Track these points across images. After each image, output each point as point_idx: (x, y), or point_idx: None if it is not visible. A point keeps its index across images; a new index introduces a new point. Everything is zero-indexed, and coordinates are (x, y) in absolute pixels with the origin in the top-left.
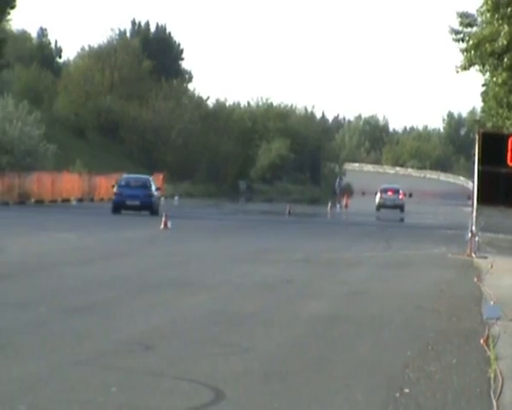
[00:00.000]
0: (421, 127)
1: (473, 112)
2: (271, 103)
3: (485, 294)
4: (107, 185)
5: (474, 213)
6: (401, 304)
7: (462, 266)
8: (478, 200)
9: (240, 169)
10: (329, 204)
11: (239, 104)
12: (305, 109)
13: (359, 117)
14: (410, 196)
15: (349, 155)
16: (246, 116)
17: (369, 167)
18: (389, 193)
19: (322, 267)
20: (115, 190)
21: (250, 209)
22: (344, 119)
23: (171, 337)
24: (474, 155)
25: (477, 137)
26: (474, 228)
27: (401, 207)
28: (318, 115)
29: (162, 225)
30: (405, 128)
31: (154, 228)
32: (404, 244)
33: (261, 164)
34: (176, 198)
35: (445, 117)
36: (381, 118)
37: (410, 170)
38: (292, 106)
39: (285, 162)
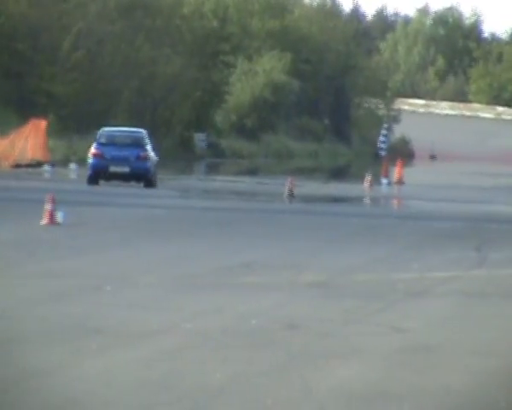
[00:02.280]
0: None
1: None
2: None
3: None
4: None
5: None
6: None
7: None
8: None
9: (197, 111)
10: (368, 178)
11: None
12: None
13: (425, 11)
14: None
15: (405, 84)
16: (208, 8)
17: (444, 107)
18: None
19: (355, 300)
20: (93, 149)
21: (215, 187)
22: (396, 15)
23: None
24: None
25: None
26: None
27: None
28: (346, 7)
29: (45, 220)
30: None
31: (31, 223)
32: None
33: (237, 102)
34: (72, 166)
35: None
36: (466, 13)
37: None
38: None
39: (282, 98)
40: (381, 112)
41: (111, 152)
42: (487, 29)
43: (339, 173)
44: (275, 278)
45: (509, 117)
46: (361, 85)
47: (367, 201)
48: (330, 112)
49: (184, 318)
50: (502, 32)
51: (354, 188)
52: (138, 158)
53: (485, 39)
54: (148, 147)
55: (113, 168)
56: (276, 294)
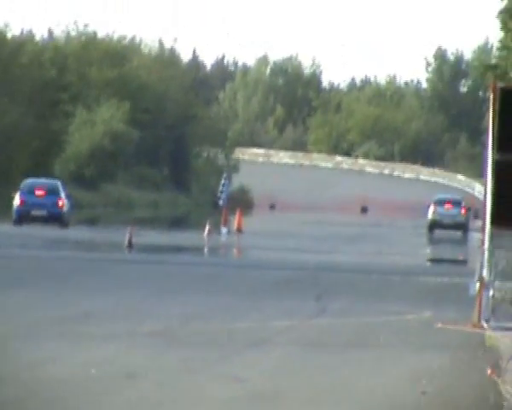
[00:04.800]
0: (383, 79)
1: (483, 50)
2: (94, 34)
3: (510, 400)
4: None
5: (487, 245)
6: None
7: (462, 345)
8: (494, 219)
9: (36, 160)
10: (207, 227)
11: (33, 35)
12: (160, 45)
13: (264, 61)
14: (365, 210)
15: (245, 134)
16: (47, 57)
17: (282, 156)
18: (447, 206)
19: (194, 349)
20: (17, 198)
21: (52, 236)
22: (235, 63)
23: None
24: (488, 132)
25: (492, 96)
26: (485, 273)
27: (464, 227)
28: (186, 57)
29: None
30: (353, 82)
31: None
32: (353, 304)
33: (76, 151)
34: None
35: (431, 61)
36: (305, 62)
37: (361, 161)
38: (134, 39)
39: (121, 147)
40: (221, 161)
41: (32, 199)
42: (326, 79)
43: (179, 223)
44: (114, 327)
45: (347, 166)
46: (200, 135)
47: (206, 250)
48: (170, 161)
49: (22, 367)
50: (340, 81)
51: (194, 237)
52: (54, 204)
53: (324, 89)
54: (62, 194)
55: (34, 212)
56: (114, 343)
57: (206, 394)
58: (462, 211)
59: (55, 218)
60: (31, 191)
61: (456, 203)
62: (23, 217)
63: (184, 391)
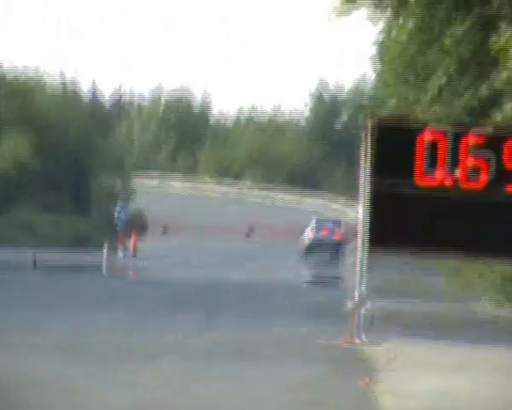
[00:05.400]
0: (267, 114)
1: (357, 90)
2: (1, 73)
3: (381, 408)
4: None
5: (361, 265)
6: None
7: (338, 357)
8: (367, 241)
9: None
10: (105, 249)
11: None
12: (62, 82)
13: (158, 93)
14: (249, 233)
15: (141, 162)
16: None
17: (175, 183)
18: (323, 231)
19: (94, 361)
20: None
21: None
22: (132, 96)
23: None
24: (362, 161)
25: (366, 129)
26: (360, 291)
27: (338, 250)
28: (85, 91)
29: None
30: (240, 114)
31: None
32: (237, 320)
33: None
34: None
35: (311, 98)
36: (197, 97)
37: (247, 188)
38: (38, 75)
39: (25, 175)
40: (118, 187)
41: None
42: (216, 111)
43: (81, 243)
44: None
45: (235, 193)
46: (101, 163)
47: (104, 270)
48: (72, 188)
49: None
50: (230, 110)
51: (94, 257)
52: None
53: (214, 119)
54: None
55: None
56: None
57: (101, 401)
58: (337, 236)
59: None
60: None
61: (331, 229)
62: None
63: (79, 398)
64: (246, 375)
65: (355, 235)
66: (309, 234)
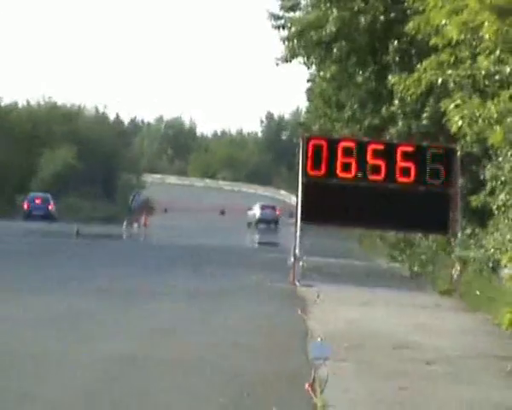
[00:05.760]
0: (234, 131)
1: (296, 113)
2: (55, 103)
3: (311, 329)
4: None
5: (298, 234)
6: (212, 342)
7: (283, 296)
8: (302, 218)
9: (19, 181)
10: (125, 223)
11: (17, 103)
12: (96, 110)
13: (161, 119)
14: (223, 213)
15: (149, 165)
16: (25, 118)
17: (172, 179)
18: (266, 210)
19: (120, 299)
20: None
21: (30, 229)
22: (143, 121)
23: None
24: (298, 164)
25: (301, 142)
26: (297, 251)
27: (276, 222)
28: (112, 117)
29: None
30: (216, 132)
31: None
32: (216, 271)
33: (44, 175)
34: None
35: (264, 119)
36: (186, 120)
37: (221, 182)
38: (80, 106)
39: (72, 173)
40: (134, 182)
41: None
42: (200, 130)
43: (108, 221)
44: (68, 286)
45: (213, 185)
46: (122, 166)
47: (124, 237)
48: (103, 182)
49: (11, 310)
50: (208, 130)
51: (117, 229)
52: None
53: (199, 136)
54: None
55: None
56: (70, 296)
57: (125, 326)
58: (276, 213)
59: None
60: (32, 200)
61: (272, 208)
62: (27, 216)
63: (113, 325)
64: (219, 308)
65: (291, 214)
66: (258, 212)
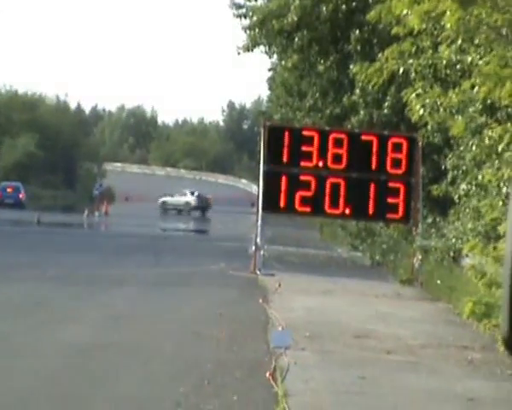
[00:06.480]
0: (196, 120)
1: (258, 102)
2: (16, 91)
3: (272, 318)
4: None
5: (259, 223)
6: (173, 330)
7: (244, 284)
8: (263, 207)
9: None
10: (86, 212)
11: None
12: (57, 98)
13: (122, 108)
14: (127, 199)
15: (110, 154)
16: None
17: (133, 168)
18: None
19: (79, 287)
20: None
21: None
22: (104, 110)
23: None
24: (259, 153)
25: (262, 131)
26: (258, 240)
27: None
28: (73, 105)
29: None
30: (177, 121)
31: None
32: (176, 259)
33: (5, 164)
34: None
35: (225, 108)
36: (148, 109)
37: (182, 171)
38: (41, 95)
39: (33, 162)
40: (95, 171)
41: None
42: (161, 118)
43: (69, 209)
44: (27, 273)
45: (174, 174)
46: (83, 155)
47: (85, 225)
48: (64, 171)
49: None
50: (170, 119)
51: (78, 218)
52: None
53: (160, 125)
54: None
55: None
56: (28, 284)
57: (85, 314)
58: (209, 200)
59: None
60: (4, 189)
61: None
62: None
63: (72, 313)
64: (180, 296)
65: (254, 203)
66: (189, 199)
